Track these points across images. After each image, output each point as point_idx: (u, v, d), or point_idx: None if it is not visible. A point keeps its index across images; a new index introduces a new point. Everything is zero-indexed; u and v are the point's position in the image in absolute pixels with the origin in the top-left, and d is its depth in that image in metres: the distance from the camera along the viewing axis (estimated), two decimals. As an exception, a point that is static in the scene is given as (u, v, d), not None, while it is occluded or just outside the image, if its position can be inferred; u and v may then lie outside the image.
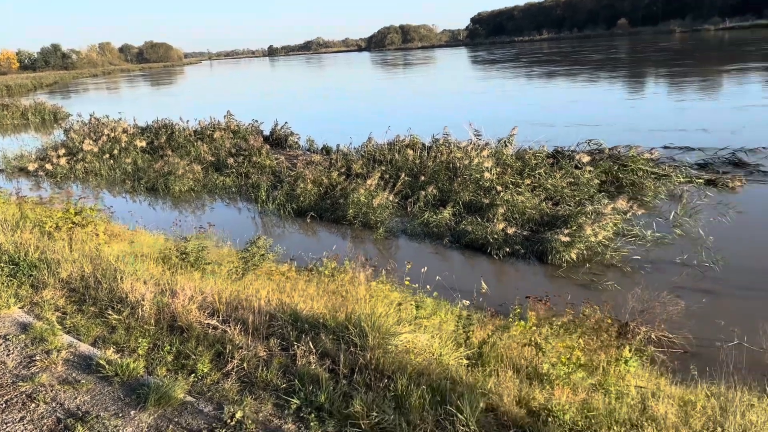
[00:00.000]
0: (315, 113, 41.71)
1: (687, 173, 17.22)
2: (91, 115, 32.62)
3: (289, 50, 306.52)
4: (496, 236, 13.29)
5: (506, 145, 19.33)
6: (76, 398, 5.28)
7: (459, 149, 19.06)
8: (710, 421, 5.38)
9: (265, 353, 5.77)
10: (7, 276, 7.99)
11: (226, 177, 21.14)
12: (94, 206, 12.02)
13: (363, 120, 33.76)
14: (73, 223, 10.80)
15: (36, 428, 4.88)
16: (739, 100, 31.36)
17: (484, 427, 4.65)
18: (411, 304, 7.79)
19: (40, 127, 43.64)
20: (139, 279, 7.54)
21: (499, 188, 15.81)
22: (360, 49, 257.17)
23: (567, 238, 12.37)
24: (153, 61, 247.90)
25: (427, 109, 38.97)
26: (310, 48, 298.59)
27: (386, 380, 5.13)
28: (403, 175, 17.75)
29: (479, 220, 14.32)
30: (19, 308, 7.13)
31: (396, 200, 16.71)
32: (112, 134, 27.45)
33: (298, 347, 5.65)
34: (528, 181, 16.43)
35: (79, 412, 5.07)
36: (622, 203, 13.59)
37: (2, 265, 8.30)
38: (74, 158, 25.01)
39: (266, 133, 27.78)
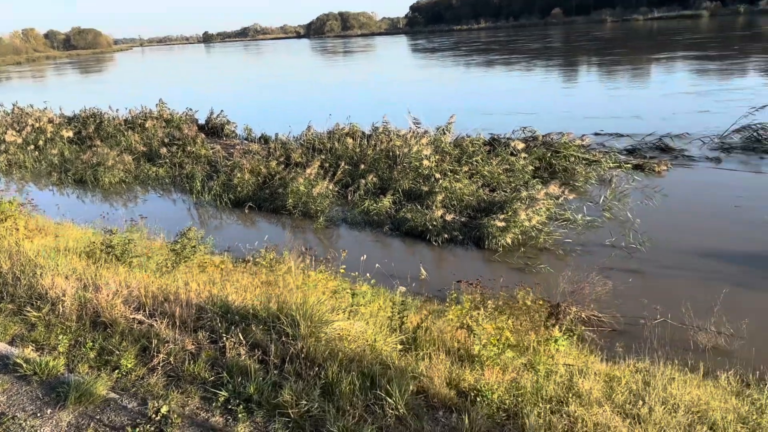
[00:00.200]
0: (253, 102, 40.94)
1: (616, 159, 17.86)
2: (14, 105, 30.92)
3: (225, 37, 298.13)
4: (435, 223, 13.41)
5: (444, 133, 19.50)
6: (-10, 400, 5.00)
7: (398, 137, 19.11)
8: (633, 395, 5.60)
9: (193, 347, 5.62)
10: None
11: (159, 167, 20.48)
12: (14, 200, 11.40)
13: (302, 108, 33.37)
14: (-10, 217, 10.20)
15: (-57, 434, 4.59)
16: (668, 87, 32.73)
17: (413, 409, 4.68)
18: (347, 292, 7.76)
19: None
20: (61, 274, 7.21)
21: (437, 176, 15.95)
22: (299, 36, 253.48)
23: (503, 224, 12.62)
24: (81, 48, 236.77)
25: (367, 97, 38.91)
26: (247, 35, 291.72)
27: (317, 368, 5.09)
28: (343, 163, 17.67)
29: (419, 207, 14.42)
30: (-72, 309, 6.68)
31: (336, 189, 16.63)
32: (37, 124, 26.12)
33: (227, 339, 5.53)
34: (466, 169, 16.65)
35: (-7, 414, 4.80)
36: (554, 188, 13.96)
37: None
38: (-5, 150, 23.67)
39: (201, 122, 27.08)
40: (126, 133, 24.57)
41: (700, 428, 4.91)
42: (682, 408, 5.24)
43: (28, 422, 4.70)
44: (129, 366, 5.41)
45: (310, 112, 28.59)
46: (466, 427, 4.41)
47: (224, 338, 5.60)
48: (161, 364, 5.42)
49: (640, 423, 4.88)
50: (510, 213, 13.02)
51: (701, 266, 10.80)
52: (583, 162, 17.33)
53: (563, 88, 37.82)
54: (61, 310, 6.37)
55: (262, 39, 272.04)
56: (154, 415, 4.74)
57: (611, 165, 17.31)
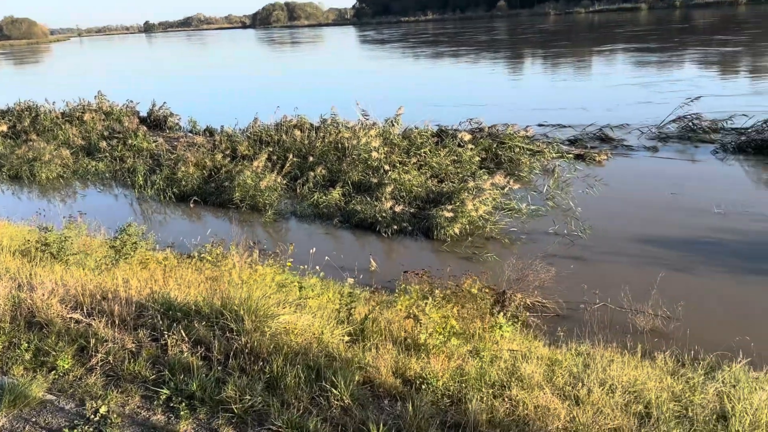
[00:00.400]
0: (198, 94, 40.02)
1: (559, 149, 18.32)
2: (-60, 98, 29.29)
3: (167, 27, 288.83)
4: (384, 215, 13.46)
5: (393, 125, 19.56)
6: None
7: (347, 129, 19.07)
8: (573, 377, 5.78)
9: (133, 345, 5.47)
10: None
11: (99, 162, 19.81)
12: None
13: (249, 100, 32.86)
14: None
15: None
16: (612, 79, 33.68)
17: (358, 399, 4.70)
18: (295, 286, 7.70)
19: None
20: (-8, 274, 6.89)
21: (387, 167, 15.99)
22: (244, 27, 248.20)
23: (450, 214, 12.78)
24: (15, 38, 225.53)
25: (316, 89, 38.58)
26: (190, 24, 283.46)
27: (261, 363, 5.05)
28: (291, 156, 17.50)
29: (368, 199, 14.44)
30: None
31: (285, 182, 16.46)
32: (-33, 118, 24.83)
33: (169, 336, 5.41)
34: (414, 160, 16.76)
35: None
36: (499, 179, 14.22)
37: None
38: None
39: (143, 114, 26.34)
40: (63, 127, 23.66)
41: (636, 407, 5.11)
42: (619, 389, 5.44)
43: (-44, 429, 4.49)
44: (66, 367, 5.24)
45: (257, 104, 28.17)
46: (410, 415, 4.46)
47: (166, 336, 5.48)
48: (100, 364, 5.27)
49: (578, 404, 5.04)
50: (457, 203, 13.18)
51: (639, 252, 11.22)
52: (528, 152, 17.70)
53: (511, 80, 38.48)
54: (-8, 312, 6.09)
55: (206, 29, 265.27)
56: (92, 416, 4.62)
57: (554, 155, 17.76)
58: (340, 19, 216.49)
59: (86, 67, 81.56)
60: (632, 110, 23.67)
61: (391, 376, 5.24)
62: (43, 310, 6.05)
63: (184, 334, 5.45)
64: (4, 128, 23.94)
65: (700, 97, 21.35)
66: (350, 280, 8.75)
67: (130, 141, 20.98)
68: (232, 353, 5.21)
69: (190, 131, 24.50)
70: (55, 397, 4.90)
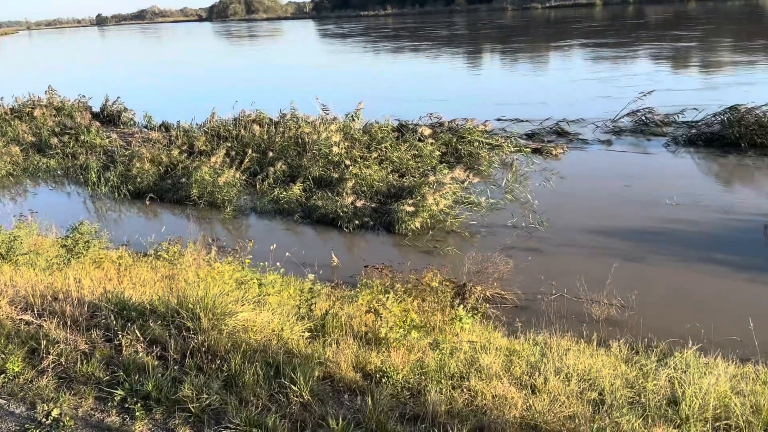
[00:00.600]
0: (153, 88, 39.15)
1: (516, 143, 18.61)
2: None
3: (120, 20, 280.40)
4: (346, 210, 13.43)
5: (354, 120, 19.50)
6: None
7: (307, 124, 18.93)
8: (530, 366, 5.88)
9: (86, 346, 5.34)
10: None
11: (50, 159, 19.22)
12: None
13: (206, 95, 32.24)
14: None
15: None
16: (573, 74, 34.21)
17: (318, 395, 4.69)
18: (254, 283, 7.62)
19: None
20: (-66, 277, 6.61)
21: (347, 162, 15.95)
22: (201, 20, 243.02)
23: (412, 208, 12.84)
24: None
25: (276, 84, 38.17)
26: (144, 17, 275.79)
27: (219, 361, 4.99)
28: (250, 151, 17.29)
29: (329, 194, 14.38)
30: None
31: (244, 177, 16.26)
32: None
33: (123, 336, 5.29)
34: (375, 155, 16.75)
35: None
36: (459, 173, 14.36)
37: None
38: None
39: (96, 109, 25.65)
40: (12, 123, 22.84)
41: (591, 394, 5.23)
42: (575, 377, 5.56)
43: None
44: (16, 369, 5.08)
45: (214, 98, 27.62)
46: (370, 408, 4.47)
47: (120, 336, 5.36)
48: (52, 366, 5.13)
49: (535, 393, 5.14)
50: (418, 198, 13.25)
51: (594, 243, 11.49)
52: (487, 146, 17.91)
53: (473, 74, 38.81)
54: (-65, 316, 5.85)
55: (161, 22, 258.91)
56: (44, 419, 4.50)
57: (512, 149, 18.01)
58: (298, 12, 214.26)
59: (36, 61, 78.78)
60: (591, 105, 24.14)
61: (352, 370, 5.24)
62: (-10, 312, 5.84)
63: (139, 334, 5.34)
64: (-52, 125, 22.95)
65: (652, 91, 21.94)
66: (311, 276, 8.71)
67: (82, 137, 20.40)
68: (188, 352, 5.13)
69: (146, 127, 23.96)
70: (4, 401, 4.76)
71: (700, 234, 11.69)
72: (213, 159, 16.34)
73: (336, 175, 15.33)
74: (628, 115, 20.84)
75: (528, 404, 4.88)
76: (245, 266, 9.00)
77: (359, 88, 32.11)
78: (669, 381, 5.64)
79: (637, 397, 5.32)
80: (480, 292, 9.35)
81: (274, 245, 10.24)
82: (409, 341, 6.06)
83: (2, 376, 5.05)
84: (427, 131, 17.93)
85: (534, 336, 7.50)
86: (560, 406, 4.89)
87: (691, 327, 7.78)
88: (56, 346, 5.31)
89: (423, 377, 5.20)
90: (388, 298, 7.15)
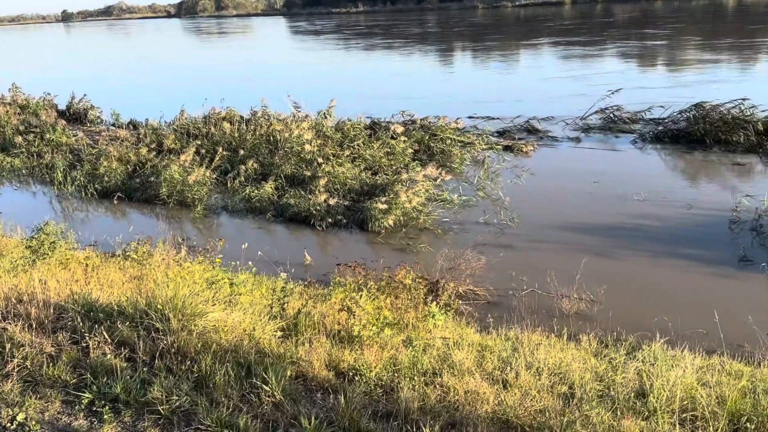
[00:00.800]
0: (121, 86, 38.44)
1: (488, 140, 18.75)
2: None
3: (86, 16, 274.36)
4: (318, 208, 13.37)
5: (326, 117, 19.43)
6: None
7: (279, 122, 18.79)
8: (502, 362, 5.94)
9: (52, 349, 5.22)
10: None
11: (15, 158, 18.76)
12: None
13: (175, 93, 31.79)
14: None
15: None
16: (547, 72, 34.47)
17: (290, 394, 4.67)
18: (225, 282, 7.54)
19: None
20: None
21: (320, 160, 15.88)
22: (169, 16, 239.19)
23: (385, 206, 12.84)
24: None
25: (247, 81, 37.77)
26: (111, 13, 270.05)
27: (189, 362, 4.92)
28: (221, 149, 17.10)
29: (302, 192, 14.30)
30: None
31: (215, 176, 16.08)
32: None
33: (90, 338, 5.19)
34: (348, 153, 16.71)
35: None
36: (432, 170, 14.42)
37: None
38: None
39: (62, 107, 25.11)
40: (-26, 121, 22.19)
41: (561, 388, 5.30)
42: (546, 371, 5.63)
43: None
44: (-22, 374, 4.93)
45: (183, 96, 27.27)
46: (342, 407, 4.46)
47: (87, 338, 5.25)
48: (16, 370, 5.00)
49: (506, 388, 5.18)
50: (391, 195, 13.26)
51: (564, 239, 11.65)
52: (459, 144, 18.01)
53: (447, 72, 38.95)
54: None
55: (128, 18, 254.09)
56: (8, 424, 4.40)
57: (484, 146, 18.15)
58: (269, 9, 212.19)
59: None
60: (565, 102, 24.33)
61: (324, 369, 5.23)
62: (-50, 316, 5.67)
63: (106, 336, 5.24)
64: None
65: (620, 89, 22.27)
66: (283, 275, 8.65)
67: (48, 135, 19.97)
68: (158, 353, 5.06)
69: (113, 125, 23.55)
70: (-33, 407, 4.61)
71: (667, 229, 11.93)
72: (183, 157, 16.12)
73: (308, 173, 15.26)
74: (596, 112, 21.15)
75: (500, 399, 4.92)
76: (216, 266, 8.91)
77: (331, 86, 31.98)
78: (637, 374, 5.75)
79: (607, 390, 5.41)
80: (453, 289, 9.40)
81: (246, 244, 10.13)
82: (382, 339, 6.06)
83: (-36, 381, 4.90)
84: (400, 129, 17.96)
85: (506, 331, 7.58)
86: (531, 400, 4.94)
87: (659, 320, 7.93)
88: (21, 349, 5.18)
89: (396, 374, 5.21)
90: (361, 296, 7.14)
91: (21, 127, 21.31)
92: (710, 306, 8.05)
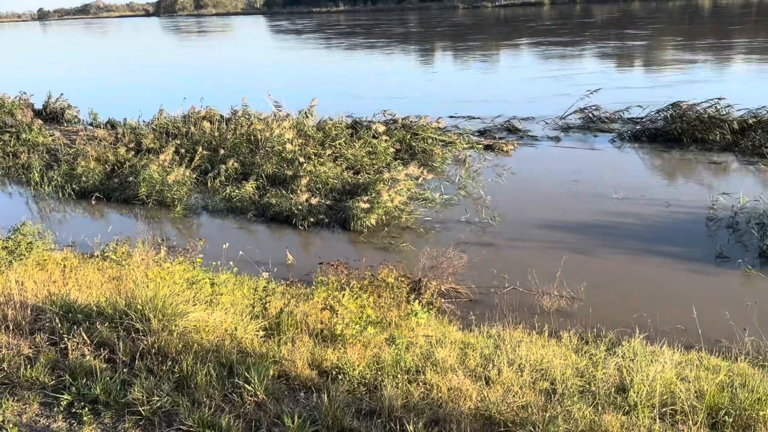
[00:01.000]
0: (99, 85, 37.93)
1: (469, 140, 18.84)
2: None
3: (63, 14, 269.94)
4: (300, 207, 13.32)
5: (307, 117, 19.36)
6: None
7: (260, 121, 18.68)
8: (484, 359, 5.97)
9: (30, 350, 5.14)
10: None
11: (-10, 158, 18.40)
12: None
13: (154, 92, 31.46)
14: None
15: None
16: (528, 72, 34.67)
17: (273, 393, 4.64)
18: (206, 282, 7.47)
19: None
20: None
21: (301, 159, 15.82)
22: (148, 15, 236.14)
23: (367, 205, 12.84)
24: None
25: (229, 81, 37.49)
26: (88, 12, 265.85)
27: (170, 363, 4.87)
28: (200, 149, 16.94)
29: (283, 192, 14.24)
30: None
31: (194, 176, 15.93)
32: None
33: (69, 340, 5.11)
34: (329, 152, 16.67)
35: None
36: (414, 169, 14.45)
37: None
38: None
39: (38, 107, 24.74)
40: (-54, 121, 21.73)
41: (543, 384, 5.35)
42: (527, 367, 5.67)
43: None
44: (-47, 378, 4.84)
45: (162, 95, 27.01)
46: (326, 405, 4.45)
47: (66, 339, 5.17)
48: (-8, 372, 4.90)
49: (489, 384, 5.21)
50: (373, 194, 13.26)
51: (545, 237, 11.74)
52: (440, 143, 18.07)
53: (429, 72, 39.01)
54: None
55: (106, 17, 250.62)
56: (-15, 428, 4.30)
57: (465, 146, 18.23)
58: (249, 8, 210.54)
59: (-29, 56, 75.21)
60: (546, 102, 24.45)
61: (307, 368, 5.21)
62: (-77, 318, 5.55)
63: (85, 337, 5.17)
64: None
65: (599, 89, 22.48)
66: (265, 275, 8.60)
67: (24, 135, 19.66)
68: (138, 354, 5.00)
69: (91, 124, 23.22)
70: (-59, 411, 4.52)
71: (646, 227, 12.08)
72: (162, 157, 15.95)
73: (290, 173, 15.19)
74: (576, 112, 21.35)
75: (482, 396, 4.95)
76: (197, 266, 8.83)
77: (313, 85, 31.87)
78: (617, 369, 5.81)
79: (588, 386, 5.46)
80: (435, 287, 9.43)
81: (227, 244, 10.06)
82: (365, 337, 6.06)
83: (-62, 384, 4.80)
84: (382, 128, 17.96)
85: (488, 329, 7.61)
86: (513, 396, 4.98)
87: (638, 316, 8.03)
88: (-3, 351, 5.09)
89: (379, 372, 5.21)
90: (344, 294, 7.14)
91: (-5, 127, 20.93)
92: (688, 302, 8.16)
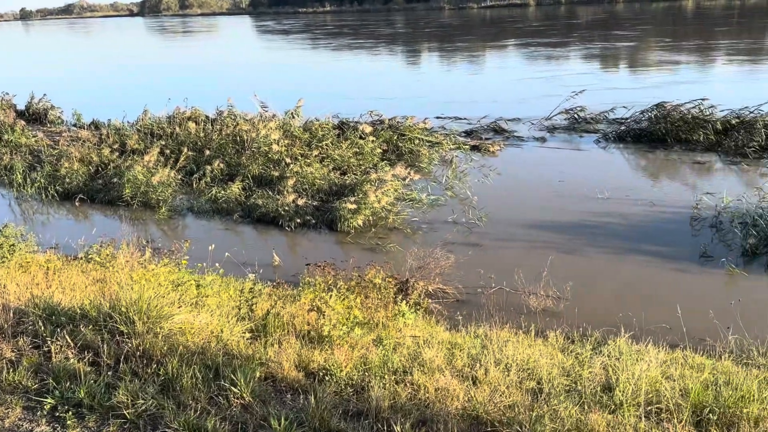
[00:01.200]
0: (83, 86, 37.56)
1: (456, 140, 18.89)
2: None
3: (46, 14, 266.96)
4: (287, 208, 13.28)
5: (294, 117, 19.30)
6: None
7: (246, 121, 18.60)
8: (471, 359, 5.98)
9: (12, 354, 5.07)
10: None
11: (-29, 160, 18.12)
12: None
13: (138, 93, 31.14)
14: None
15: None
16: (515, 72, 34.78)
17: (259, 395, 4.62)
18: (191, 284, 7.42)
19: None
20: None
21: (288, 160, 15.76)
22: (132, 14, 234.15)
23: (354, 206, 12.82)
24: None
25: (213, 80, 37.28)
26: (72, 12, 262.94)
27: (155, 365, 4.83)
28: (186, 149, 16.83)
29: (270, 193, 14.18)
30: None
31: (180, 177, 15.82)
32: None
33: (52, 343, 5.05)
34: (316, 152, 16.63)
35: None
36: (401, 170, 14.46)
37: None
38: None
39: (21, 107, 24.46)
40: (-74, 121, 21.39)
41: (529, 384, 5.36)
42: (514, 367, 5.69)
43: None
44: (-67, 382, 4.75)
45: (147, 95, 26.79)
46: (313, 407, 4.43)
47: (49, 342, 5.11)
48: (-26, 377, 4.82)
49: (476, 384, 5.22)
50: (360, 195, 13.25)
51: (531, 237, 11.80)
52: (427, 144, 18.09)
53: (416, 72, 39.04)
54: None
55: (89, 17, 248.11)
56: (-35, 434, 4.23)
57: (452, 146, 18.27)
58: (234, 8, 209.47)
59: (-48, 56, 74.12)
60: (533, 103, 24.50)
61: (294, 369, 5.19)
62: None
63: (69, 340, 5.11)
64: None
65: (584, 90, 22.66)
66: (251, 276, 8.55)
67: (6, 136, 19.46)
68: (122, 357, 4.95)
69: (74, 125, 23.01)
70: None
71: (631, 226, 12.18)
72: (146, 158, 15.82)
73: (276, 174, 15.14)
74: (561, 113, 21.49)
75: (469, 395, 4.95)
76: (182, 268, 8.76)
77: (299, 86, 31.74)
78: (603, 368, 5.84)
79: (574, 385, 5.49)
80: (422, 288, 9.43)
81: (213, 245, 9.96)
82: (352, 338, 6.05)
83: None
84: (368, 129, 17.96)
85: (475, 329, 7.63)
86: (500, 396, 4.99)
87: (624, 316, 8.09)
88: (-22, 355, 5.02)
89: (366, 373, 5.20)
90: (330, 295, 7.11)
91: (-23, 128, 20.64)
92: (673, 301, 8.24)
